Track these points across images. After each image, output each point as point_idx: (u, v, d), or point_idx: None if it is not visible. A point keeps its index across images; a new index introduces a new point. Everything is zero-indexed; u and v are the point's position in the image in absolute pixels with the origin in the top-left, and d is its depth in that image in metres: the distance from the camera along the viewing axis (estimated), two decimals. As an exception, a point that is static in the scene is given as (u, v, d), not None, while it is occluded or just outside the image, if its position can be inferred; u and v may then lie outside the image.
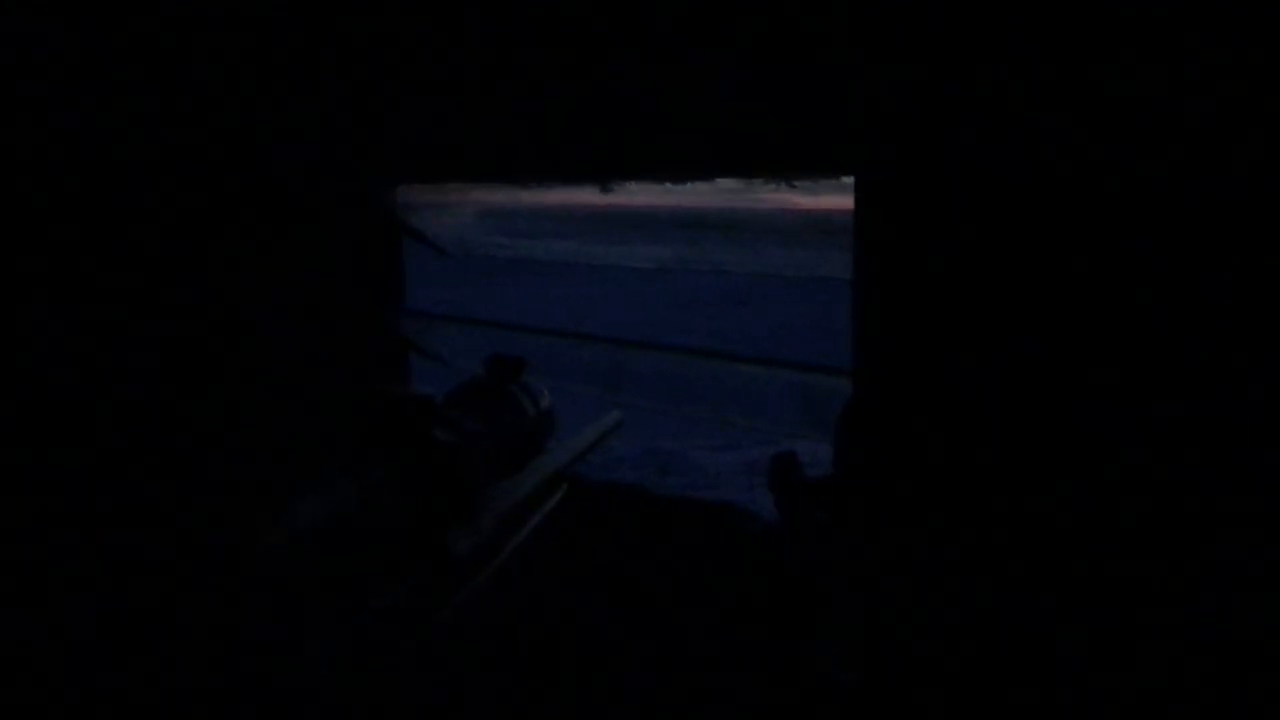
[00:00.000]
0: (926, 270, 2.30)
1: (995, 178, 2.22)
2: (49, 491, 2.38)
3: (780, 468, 2.40)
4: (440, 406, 2.54)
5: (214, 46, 2.96)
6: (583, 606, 2.79)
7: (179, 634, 1.96)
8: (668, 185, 2.90)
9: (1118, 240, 2.11)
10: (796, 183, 2.67)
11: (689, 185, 2.85)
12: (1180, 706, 2.02)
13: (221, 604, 1.96)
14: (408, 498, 2.25)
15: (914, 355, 2.32)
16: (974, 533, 2.21)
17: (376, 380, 3.32)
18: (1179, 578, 2.06)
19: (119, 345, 2.64)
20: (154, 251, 2.79)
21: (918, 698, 2.32)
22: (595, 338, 3.10)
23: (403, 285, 3.58)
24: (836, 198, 2.64)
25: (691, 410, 2.86)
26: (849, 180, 2.46)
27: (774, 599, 2.56)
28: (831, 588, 2.43)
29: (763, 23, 2.46)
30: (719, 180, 2.80)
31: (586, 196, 3.10)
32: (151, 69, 2.83)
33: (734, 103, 2.54)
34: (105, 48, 2.77)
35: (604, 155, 2.84)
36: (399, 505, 2.23)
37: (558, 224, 3.25)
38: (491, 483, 2.57)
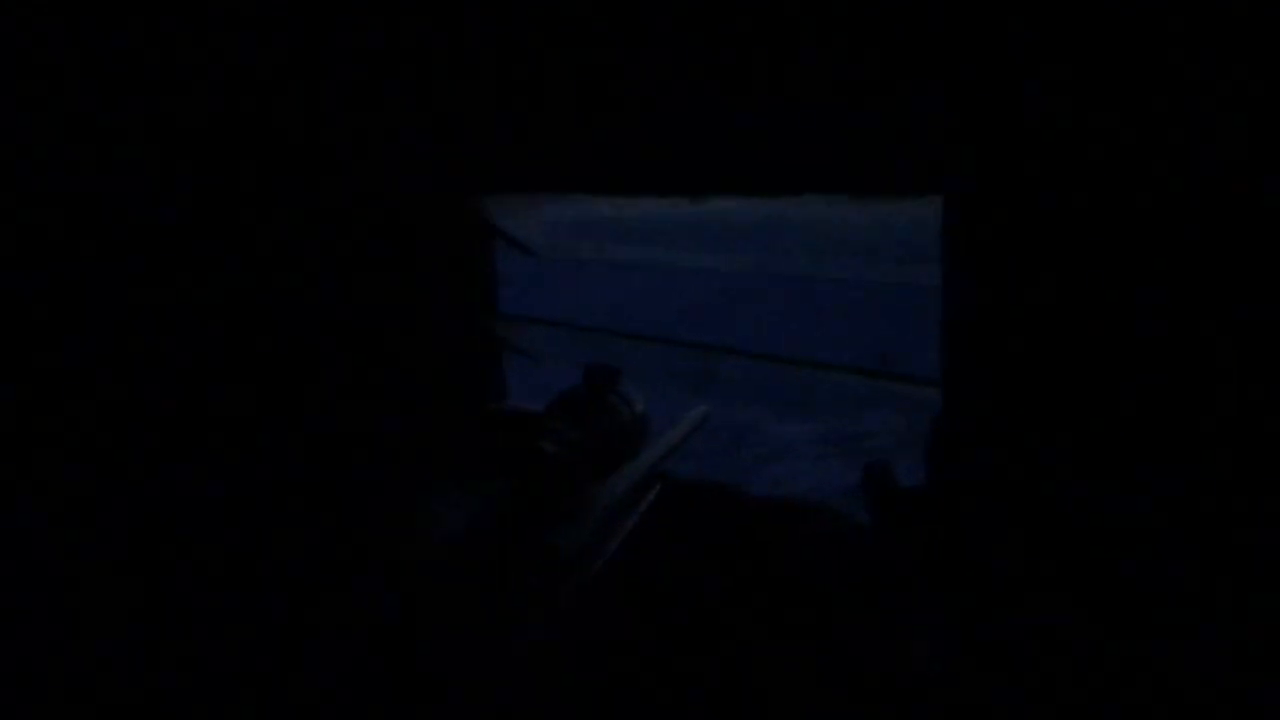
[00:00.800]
0: (1012, 287, 2.38)
1: (1076, 197, 2.30)
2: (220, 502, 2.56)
3: (874, 477, 2.51)
4: (544, 418, 2.67)
5: (320, 71, 3.11)
6: (678, 602, 2.91)
7: (331, 636, 2.13)
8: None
9: (1198, 247, 2.18)
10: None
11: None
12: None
13: (362, 606, 2.11)
14: (519, 505, 2.40)
15: (1002, 370, 2.40)
16: (1055, 538, 2.30)
17: (477, 385, 3.45)
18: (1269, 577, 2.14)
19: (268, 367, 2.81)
20: (289, 269, 2.96)
21: (1002, 689, 2.41)
22: (682, 343, 3.22)
23: (495, 289, 3.72)
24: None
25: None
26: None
27: (866, 598, 2.66)
28: (922, 587, 2.53)
29: (850, 53, 2.55)
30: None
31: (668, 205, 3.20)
32: (268, 98, 2.99)
33: (826, 125, 2.63)
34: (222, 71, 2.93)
35: (698, 170, 2.95)
36: (511, 512, 2.37)
37: (646, 230, 3.35)
38: (592, 485, 2.71)
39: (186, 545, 2.53)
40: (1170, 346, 2.22)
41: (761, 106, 2.70)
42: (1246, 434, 2.18)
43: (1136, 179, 2.25)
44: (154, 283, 2.91)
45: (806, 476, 3.29)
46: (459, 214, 3.58)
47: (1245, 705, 2.16)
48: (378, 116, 3.19)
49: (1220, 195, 2.16)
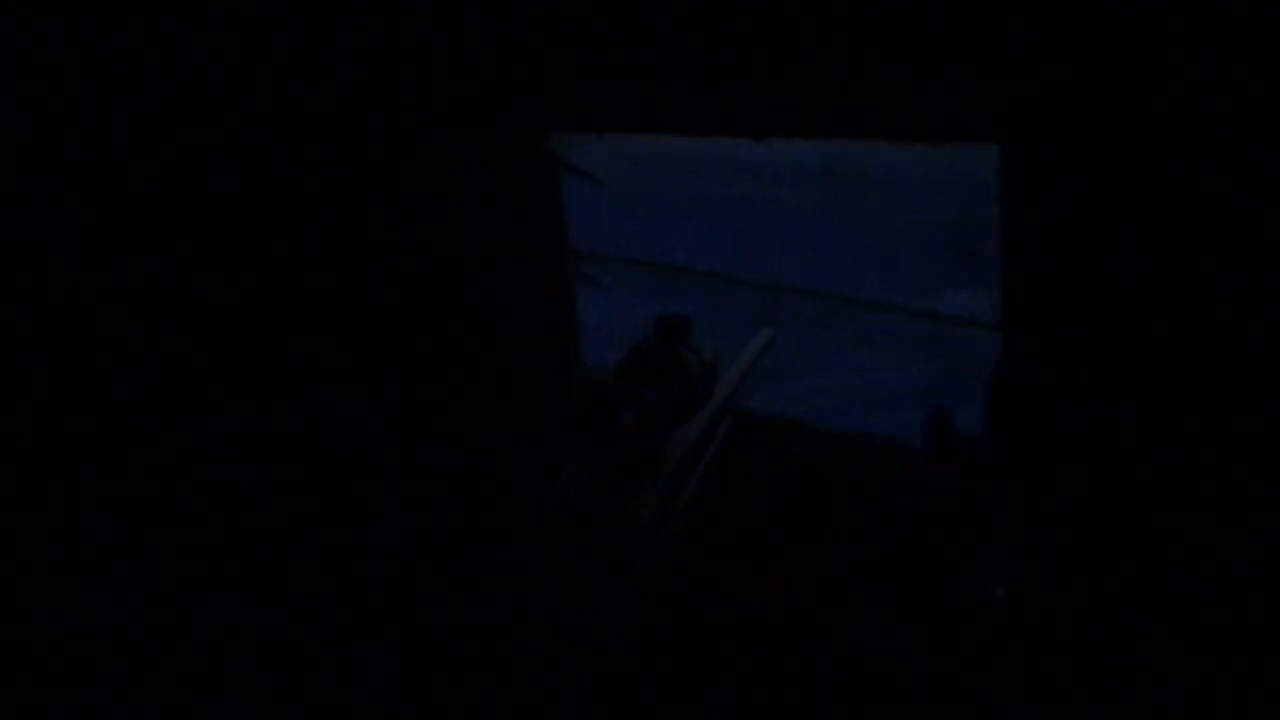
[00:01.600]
0: (1068, 235, 2.41)
1: (1134, 149, 2.32)
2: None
3: (936, 423, 2.60)
4: (617, 385, 2.78)
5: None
6: (753, 540, 3.04)
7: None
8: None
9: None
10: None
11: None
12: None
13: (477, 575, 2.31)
14: (601, 477, 2.54)
15: (1058, 318, 2.45)
16: (1109, 481, 2.39)
17: (553, 321, 3.53)
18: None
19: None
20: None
21: (1060, 609, 2.54)
22: (750, 281, 3.28)
23: (564, 223, 3.77)
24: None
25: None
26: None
27: (932, 528, 2.77)
28: (984, 520, 2.64)
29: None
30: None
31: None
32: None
33: (890, 72, 2.64)
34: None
35: (764, 111, 2.97)
36: (594, 483, 2.51)
37: (711, 168, 3.40)
38: (668, 438, 2.84)
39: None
40: (1229, 302, 2.26)
41: (838, 55, 2.70)
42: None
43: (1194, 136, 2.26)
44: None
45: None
46: (533, 150, 3.62)
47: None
48: (458, 58, 3.21)
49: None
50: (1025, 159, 2.47)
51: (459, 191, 3.31)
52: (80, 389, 2.99)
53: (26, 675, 2.66)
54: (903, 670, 2.57)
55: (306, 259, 3.15)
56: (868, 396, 3.41)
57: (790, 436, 3.16)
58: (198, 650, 2.69)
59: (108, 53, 2.98)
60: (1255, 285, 2.24)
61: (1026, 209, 2.47)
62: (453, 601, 2.58)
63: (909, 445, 2.99)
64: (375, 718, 2.50)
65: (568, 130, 3.63)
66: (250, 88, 3.12)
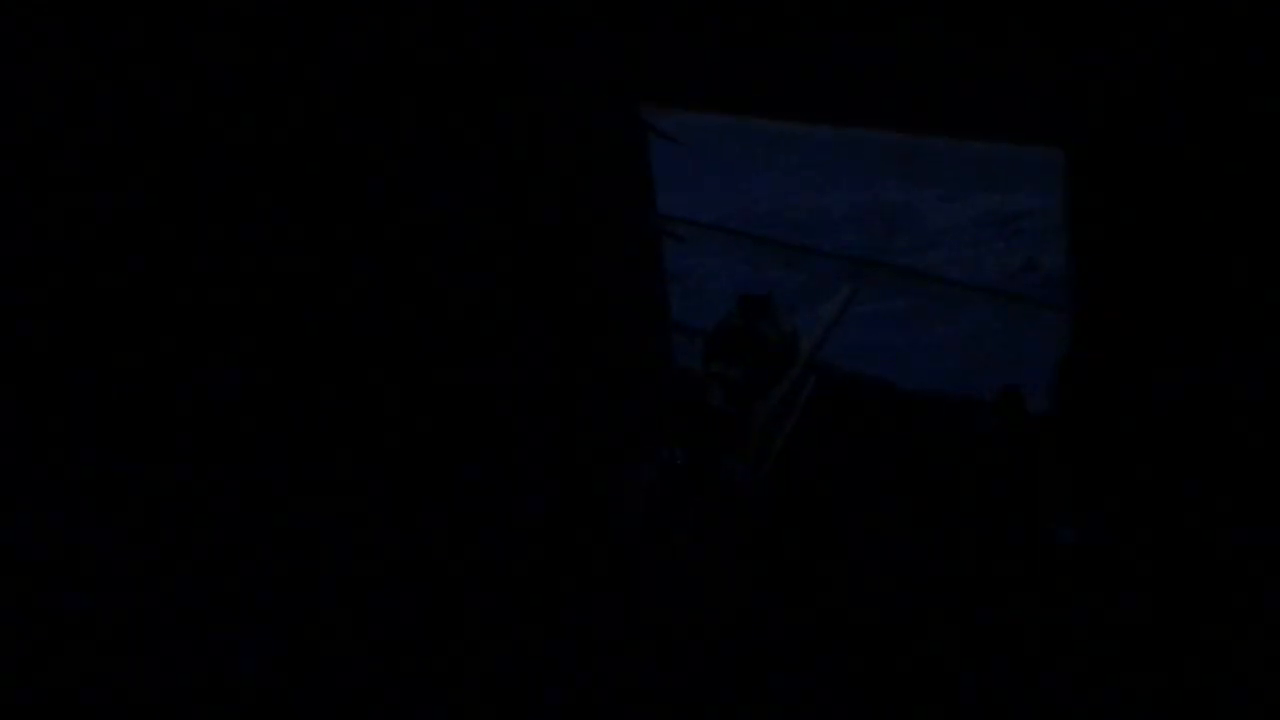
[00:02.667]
0: (1137, 236, 2.64)
1: (1194, 151, 2.53)
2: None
3: (1006, 402, 2.88)
4: (706, 365, 3.05)
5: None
6: (836, 495, 3.33)
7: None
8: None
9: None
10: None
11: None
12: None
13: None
14: (696, 455, 2.85)
15: (1126, 312, 2.70)
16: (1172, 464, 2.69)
17: (645, 283, 3.73)
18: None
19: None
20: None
21: (1124, 553, 2.85)
22: (829, 254, 3.51)
23: (653, 187, 3.92)
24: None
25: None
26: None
27: (1003, 478, 3.05)
28: (1054, 472, 2.93)
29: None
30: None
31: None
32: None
33: (958, 72, 2.82)
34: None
35: (839, 102, 3.17)
36: (690, 461, 2.83)
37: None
38: (754, 407, 3.12)
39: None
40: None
41: (912, 54, 2.88)
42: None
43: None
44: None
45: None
46: (624, 118, 3.78)
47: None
48: (564, 37, 3.37)
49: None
50: (1091, 164, 2.69)
51: (561, 158, 3.49)
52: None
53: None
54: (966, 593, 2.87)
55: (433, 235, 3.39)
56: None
57: (868, 392, 3.43)
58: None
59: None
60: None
61: (1091, 215, 2.69)
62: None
63: (973, 400, 3.26)
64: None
65: (658, 106, 3.79)
66: (389, 73, 3.30)
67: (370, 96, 3.29)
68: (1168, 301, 2.63)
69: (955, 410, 3.22)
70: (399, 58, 3.27)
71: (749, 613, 2.83)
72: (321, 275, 3.37)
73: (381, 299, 3.37)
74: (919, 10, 2.73)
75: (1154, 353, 2.69)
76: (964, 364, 3.67)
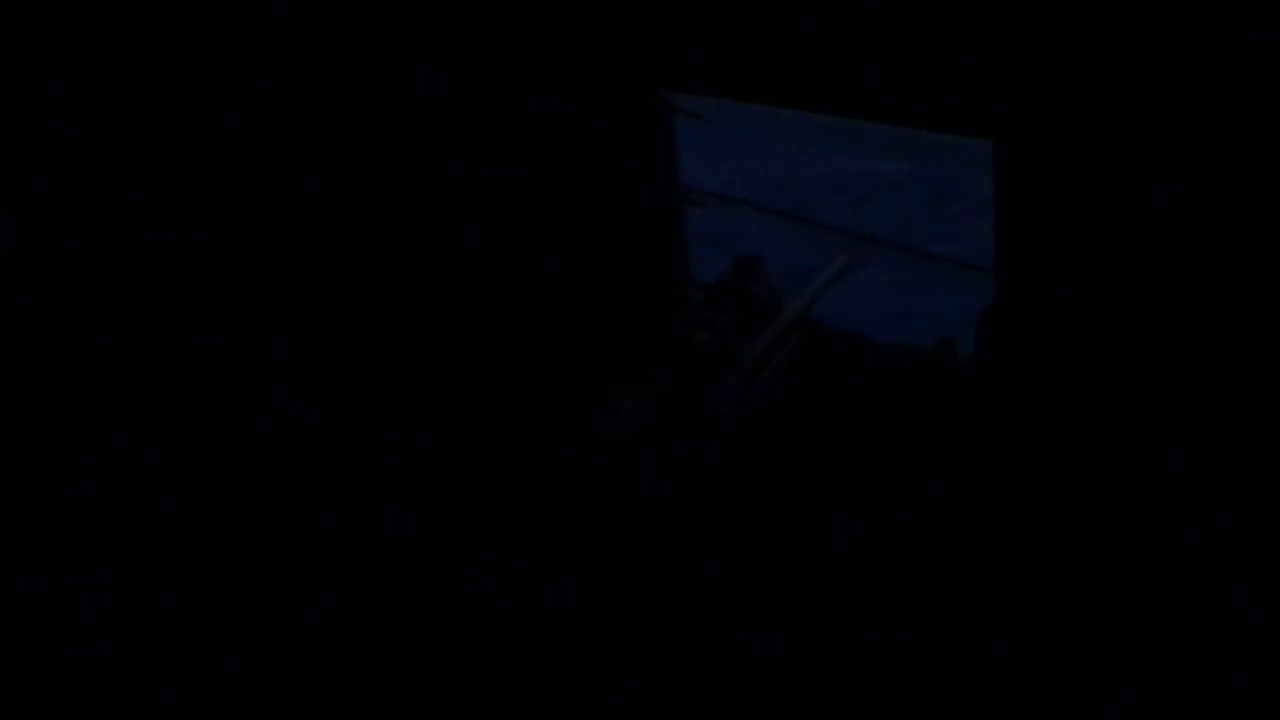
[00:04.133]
0: (1054, 217, 3.19)
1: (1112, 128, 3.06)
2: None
3: (942, 351, 3.45)
4: (699, 311, 3.67)
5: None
6: (814, 438, 3.90)
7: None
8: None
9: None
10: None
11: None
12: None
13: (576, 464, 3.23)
14: (681, 382, 3.45)
15: (1040, 272, 3.24)
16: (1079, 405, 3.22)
17: (666, 239, 4.36)
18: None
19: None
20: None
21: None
22: (831, 227, 4.12)
23: (677, 160, 4.53)
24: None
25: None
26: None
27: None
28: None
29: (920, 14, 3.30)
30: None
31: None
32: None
33: (899, 72, 3.41)
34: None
35: (832, 93, 3.76)
36: (676, 388, 3.43)
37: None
38: (739, 351, 3.73)
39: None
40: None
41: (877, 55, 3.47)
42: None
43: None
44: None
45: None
46: (647, 100, 4.39)
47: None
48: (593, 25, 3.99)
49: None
50: (1016, 153, 3.25)
51: (588, 133, 4.11)
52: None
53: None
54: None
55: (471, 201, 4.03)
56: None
57: (842, 344, 4.01)
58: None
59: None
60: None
61: (1016, 198, 3.25)
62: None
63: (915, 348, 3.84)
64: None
65: (679, 91, 4.41)
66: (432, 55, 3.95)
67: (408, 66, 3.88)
68: (1080, 266, 3.18)
69: (900, 357, 3.79)
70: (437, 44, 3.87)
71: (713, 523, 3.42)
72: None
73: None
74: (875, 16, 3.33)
75: (1063, 314, 3.24)
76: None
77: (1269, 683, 2.98)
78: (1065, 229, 3.18)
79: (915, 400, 3.45)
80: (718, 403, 3.51)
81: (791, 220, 4.31)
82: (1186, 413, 3.15)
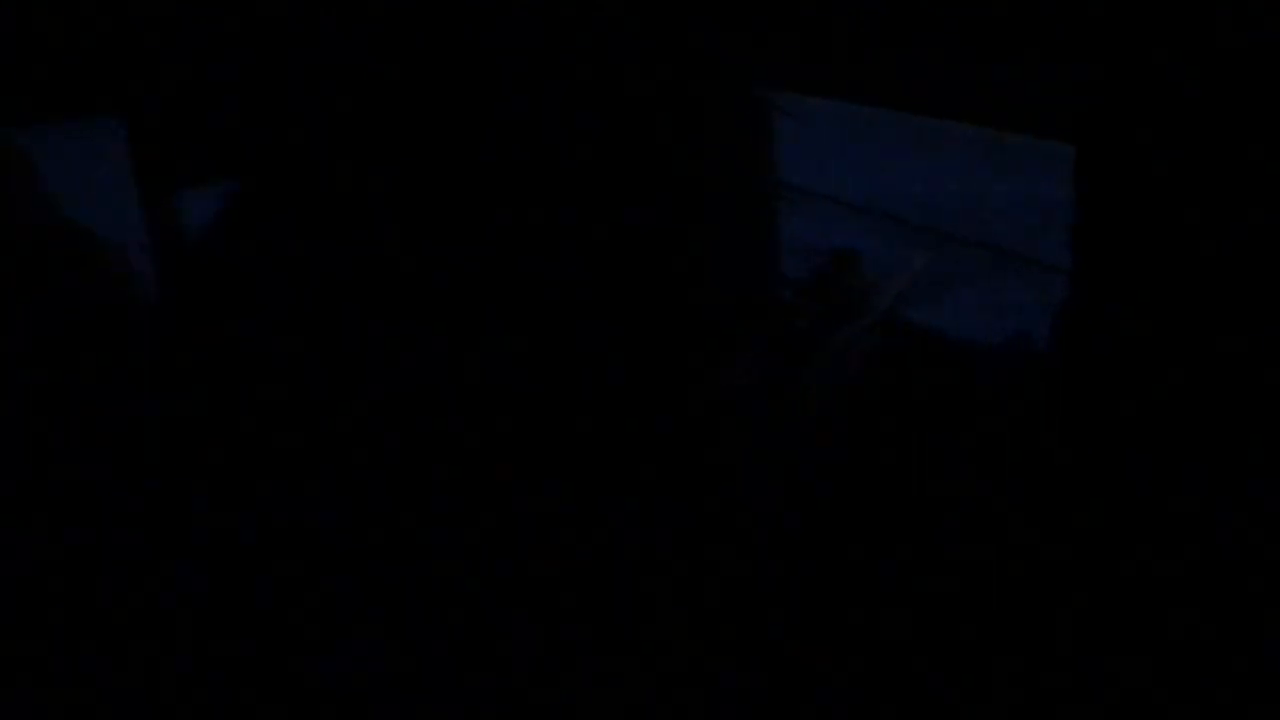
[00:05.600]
0: (1134, 224, 3.33)
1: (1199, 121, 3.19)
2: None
3: (1017, 343, 3.63)
4: (796, 301, 3.91)
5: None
6: (892, 439, 4.10)
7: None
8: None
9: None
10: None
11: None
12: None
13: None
14: (772, 367, 3.70)
15: (1121, 276, 3.39)
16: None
17: (761, 229, 4.63)
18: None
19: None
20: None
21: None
22: (917, 225, 4.31)
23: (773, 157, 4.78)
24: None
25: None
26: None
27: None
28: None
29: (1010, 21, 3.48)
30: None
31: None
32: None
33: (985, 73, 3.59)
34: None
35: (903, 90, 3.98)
36: (770, 377, 3.69)
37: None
38: (828, 343, 3.96)
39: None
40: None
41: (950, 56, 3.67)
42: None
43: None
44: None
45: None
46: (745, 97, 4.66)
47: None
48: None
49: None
50: (1098, 159, 3.39)
51: (688, 126, 4.38)
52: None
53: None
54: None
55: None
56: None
57: (921, 339, 4.19)
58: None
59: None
60: None
61: (1097, 203, 3.40)
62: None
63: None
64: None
65: (779, 88, 4.67)
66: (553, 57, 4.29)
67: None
68: (1158, 270, 3.32)
69: (977, 352, 3.96)
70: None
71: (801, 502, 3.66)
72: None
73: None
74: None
75: (1140, 316, 3.38)
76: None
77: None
78: (1144, 231, 3.32)
79: (991, 395, 3.63)
80: (810, 389, 3.75)
81: (879, 217, 4.52)
82: (1265, 427, 3.26)
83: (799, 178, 4.77)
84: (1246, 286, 3.21)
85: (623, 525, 3.64)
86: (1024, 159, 5.45)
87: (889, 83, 4.22)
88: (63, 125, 4.39)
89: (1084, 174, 3.40)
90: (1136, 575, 3.33)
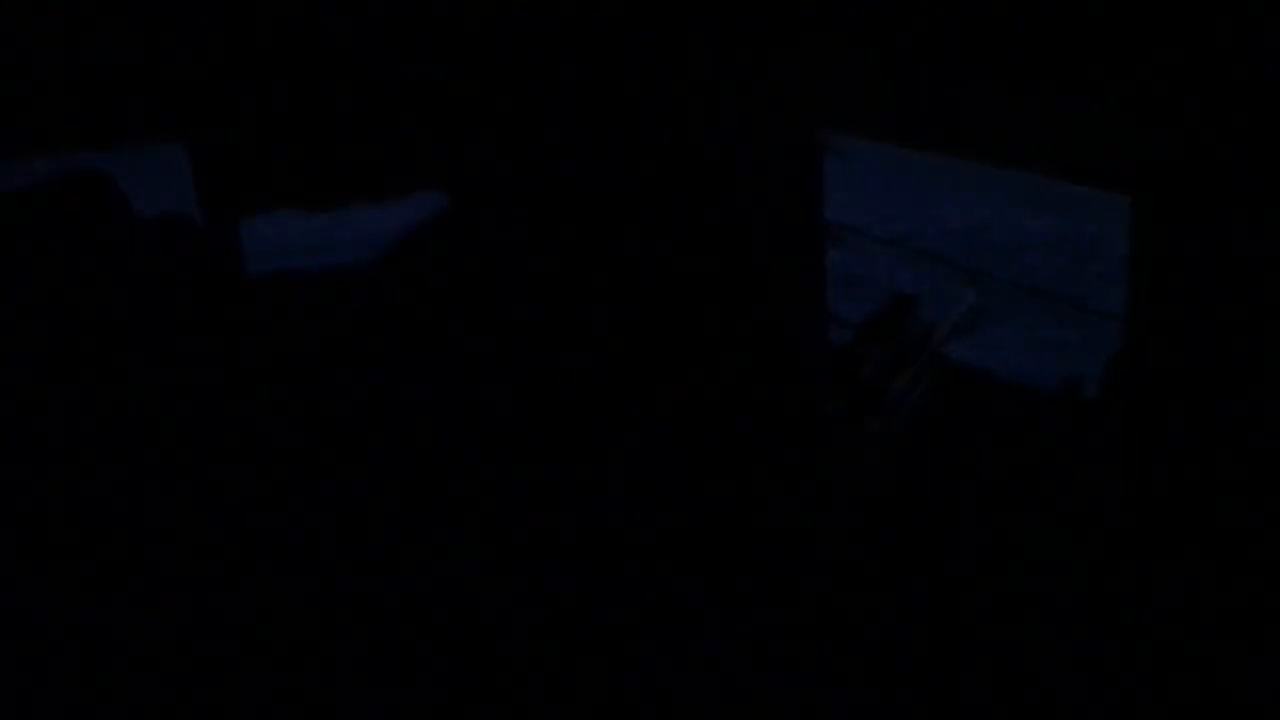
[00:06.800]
0: (1185, 273, 3.45)
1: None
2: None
3: (1068, 388, 3.75)
4: (859, 344, 4.04)
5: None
6: (946, 472, 4.22)
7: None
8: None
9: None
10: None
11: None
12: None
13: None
14: (838, 412, 3.84)
15: (1174, 324, 3.51)
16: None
17: (808, 270, 4.76)
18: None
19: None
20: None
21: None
22: (964, 267, 4.44)
23: (822, 196, 4.93)
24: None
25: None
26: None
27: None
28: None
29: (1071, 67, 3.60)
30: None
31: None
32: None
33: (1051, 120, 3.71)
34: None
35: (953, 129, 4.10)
36: (834, 416, 3.82)
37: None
38: (889, 383, 4.09)
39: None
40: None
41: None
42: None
43: None
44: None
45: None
46: (800, 137, 4.78)
47: None
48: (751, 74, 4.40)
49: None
50: (1155, 210, 3.52)
51: (747, 166, 4.51)
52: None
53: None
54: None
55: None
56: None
57: (971, 381, 4.32)
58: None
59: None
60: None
61: (1154, 251, 3.51)
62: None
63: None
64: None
65: (832, 129, 4.79)
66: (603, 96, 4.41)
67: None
68: (1215, 325, 3.44)
69: (1026, 395, 4.08)
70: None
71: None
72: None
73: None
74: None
75: (1197, 367, 3.50)
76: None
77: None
78: (1201, 278, 3.44)
79: (1040, 437, 3.75)
80: (874, 433, 3.88)
81: (925, 258, 4.64)
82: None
83: (845, 216, 4.92)
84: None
85: (688, 554, 3.75)
86: (1060, 198, 5.60)
87: (934, 125, 4.32)
88: (133, 151, 4.48)
89: (1142, 222, 3.52)
90: (1186, 611, 3.46)
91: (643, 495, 3.89)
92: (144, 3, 4.23)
